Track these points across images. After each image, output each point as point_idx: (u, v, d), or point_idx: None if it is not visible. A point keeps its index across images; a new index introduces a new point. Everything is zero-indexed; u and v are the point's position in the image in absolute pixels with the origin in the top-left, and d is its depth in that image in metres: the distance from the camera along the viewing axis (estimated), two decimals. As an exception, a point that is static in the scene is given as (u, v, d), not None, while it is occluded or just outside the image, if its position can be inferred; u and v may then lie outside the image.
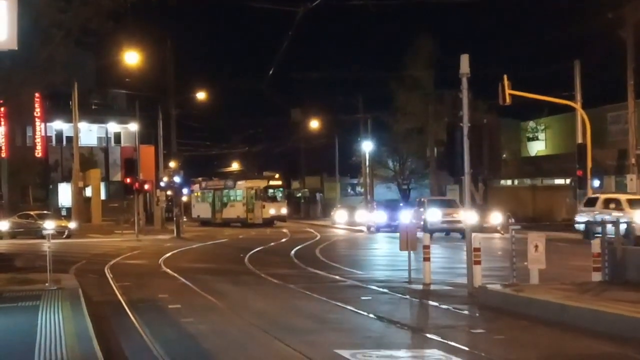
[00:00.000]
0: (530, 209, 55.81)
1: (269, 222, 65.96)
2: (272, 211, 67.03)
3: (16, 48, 11.91)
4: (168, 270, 26.72)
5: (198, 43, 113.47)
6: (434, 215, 44.66)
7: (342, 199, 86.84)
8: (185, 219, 66.55)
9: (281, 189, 70.58)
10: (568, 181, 51.85)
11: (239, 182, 70.93)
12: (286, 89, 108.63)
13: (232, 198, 71.29)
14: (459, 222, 41.03)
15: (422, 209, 46.31)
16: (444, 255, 32.50)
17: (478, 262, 19.24)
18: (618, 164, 48.28)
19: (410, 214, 46.56)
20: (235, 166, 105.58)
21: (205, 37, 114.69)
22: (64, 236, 47.39)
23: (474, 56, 19.61)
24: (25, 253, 34.16)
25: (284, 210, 69.10)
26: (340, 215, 68.67)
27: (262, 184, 68.61)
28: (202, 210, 75.63)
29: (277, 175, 71.36)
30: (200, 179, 78.38)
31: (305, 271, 26.44)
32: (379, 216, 53.26)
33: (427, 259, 21.49)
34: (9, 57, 21.30)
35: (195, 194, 77.55)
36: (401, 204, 58.05)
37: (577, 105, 44.98)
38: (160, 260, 31.03)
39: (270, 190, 68.38)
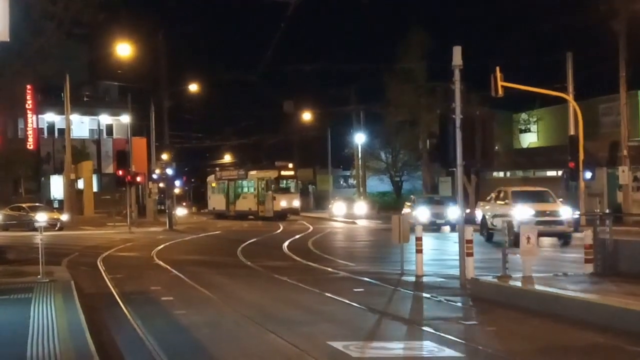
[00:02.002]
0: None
1: (281, 216, 62.81)
2: (283, 203, 63.78)
3: (8, 40, 11.87)
4: (161, 263, 26.71)
5: (190, 35, 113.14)
6: (525, 213, 31.98)
7: (334, 191, 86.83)
8: (179, 210, 66.56)
9: (294, 180, 67.17)
10: (560, 173, 51.97)
11: (251, 173, 68.24)
12: (278, 81, 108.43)
13: (244, 189, 68.79)
14: (560, 222, 31.97)
15: (504, 203, 34.96)
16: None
17: (470, 254, 19.29)
18: (610, 155, 48.36)
19: (483, 211, 36.59)
20: (227, 158, 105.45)
21: (198, 28, 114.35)
22: (56, 228, 47.39)
23: (466, 48, 19.61)
24: (17, 245, 34.10)
25: (296, 203, 65.80)
26: (338, 208, 66.65)
27: (272, 174, 65.34)
28: (217, 202, 73.56)
29: (290, 165, 68.19)
30: (217, 168, 76.43)
31: (297, 263, 26.45)
32: (421, 213, 44.76)
33: (419, 251, 21.53)
34: (0, 49, 21.22)
35: (211, 185, 75.43)
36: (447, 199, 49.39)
37: (569, 97, 45.05)
38: (153, 252, 31.02)
39: (283, 181, 65.37)
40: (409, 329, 13.68)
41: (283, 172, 65.60)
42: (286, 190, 65.10)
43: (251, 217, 65.53)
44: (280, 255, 29.61)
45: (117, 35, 44.86)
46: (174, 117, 62.41)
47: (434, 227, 43.48)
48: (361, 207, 66.49)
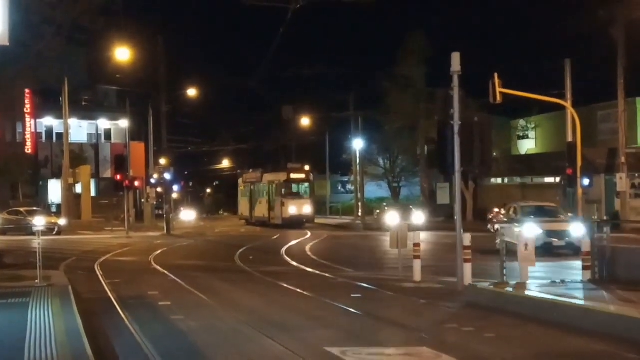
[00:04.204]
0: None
1: (294, 223, 56.11)
2: (292, 210, 57.32)
3: (8, 44, 11.87)
4: (158, 267, 26.71)
5: (189, 40, 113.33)
6: None
7: (332, 196, 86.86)
8: (185, 214, 66.37)
9: (306, 184, 60.54)
10: (558, 180, 52.00)
11: (265, 175, 62.77)
12: (277, 86, 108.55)
13: (260, 194, 63.34)
14: None
15: None
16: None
17: (468, 260, 19.30)
18: (608, 162, 48.41)
19: None
20: (225, 163, 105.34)
21: (197, 33, 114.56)
22: (54, 233, 47.34)
23: (465, 54, 19.64)
24: (15, 250, 34.07)
25: (307, 209, 58.62)
26: (393, 218, 48.32)
27: (282, 177, 59.28)
28: (243, 207, 69.11)
29: (307, 167, 61.18)
30: (251, 170, 70.56)
31: (295, 269, 26.45)
32: (530, 230, 23.91)
33: (417, 257, 21.53)
34: (-1, 53, 21.24)
35: (240, 189, 71.00)
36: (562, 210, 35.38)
37: (568, 104, 45.05)
38: (151, 257, 31.02)
39: (294, 185, 59.45)
40: (406, 335, 13.67)
41: (293, 175, 59.61)
42: (297, 195, 59.05)
43: (265, 224, 59.93)
44: (278, 261, 29.60)
45: (116, 40, 44.86)
46: (172, 122, 62.39)
47: (548, 251, 28.01)
48: (419, 216, 53.52)
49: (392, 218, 45.33)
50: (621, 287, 16.38)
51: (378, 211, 59.93)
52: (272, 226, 57.58)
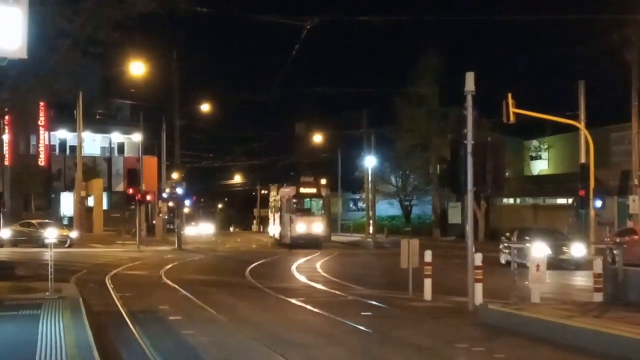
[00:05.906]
0: (532, 228, 55.76)
1: (304, 243, 50.35)
2: (300, 228, 51.77)
3: (26, 57, 11.93)
4: (169, 282, 26.72)
5: (204, 55, 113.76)
6: None
7: (344, 213, 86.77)
8: (203, 228, 66.22)
9: (319, 199, 54.54)
10: (570, 201, 51.90)
11: (280, 190, 58.11)
12: (290, 102, 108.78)
13: (277, 210, 59.03)
14: None
15: None
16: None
17: (479, 280, 19.25)
18: (621, 184, 48.30)
19: None
20: (237, 179, 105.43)
21: (211, 49, 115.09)
22: (66, 245, 47.47)
23: (479, 74, 19.66)
24: (27, 261, 34.17)
25: (318, 228, 52.28)
26: (540, 250, 24.34)
27: (291, 192, 54.36)
28: (270, 223, 65.62)
29: (323, 181, 55.32)
30: (285, 185, 61.31)
31: (305, 285, 26.42)
32: None
33: (428, 276, 21.49)
34: (15, 66, 21.33)
35: (270, 205, 66.59)
36: None
37: (581, 125, 44.99)
38: (161, 271, 31.05)
39: (306, 201, 54.50)
40: (416, 354, 13.64)
41: (303, 190, 54.02)
42: (308, 212, 53.72)
43: (279, 242, 56.00)
44: (288, 277, 29.58)
45: (130, 54, 45.06)
46: (185, 137, 62.54)
47: None
48: (579, 248, 33.05)
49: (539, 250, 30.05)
50: (633, 310, 16.31)
51: (505, 239, 37.07)
52: (285, 244, 53.55)
